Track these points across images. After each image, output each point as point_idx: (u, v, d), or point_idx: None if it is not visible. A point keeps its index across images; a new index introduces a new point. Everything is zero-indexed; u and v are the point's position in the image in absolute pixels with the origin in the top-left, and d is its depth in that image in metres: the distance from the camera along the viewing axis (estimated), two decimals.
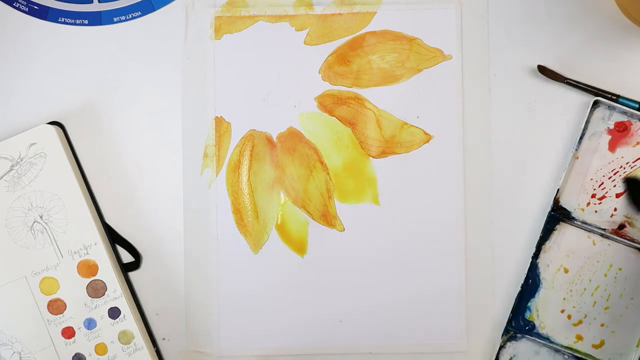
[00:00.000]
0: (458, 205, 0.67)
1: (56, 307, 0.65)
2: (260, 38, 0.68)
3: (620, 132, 0.66)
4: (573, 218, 0.66)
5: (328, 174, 0.67)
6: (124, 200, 0.67)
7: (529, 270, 0.65)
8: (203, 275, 0.67)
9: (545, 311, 0.66)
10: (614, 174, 0.66)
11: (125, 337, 0.65)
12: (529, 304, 0.66)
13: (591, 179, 0.66)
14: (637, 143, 0.66)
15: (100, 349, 0.65)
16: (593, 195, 0.66)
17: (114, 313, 0.65)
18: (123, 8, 0.68)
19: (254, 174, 0.67)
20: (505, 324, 0.65)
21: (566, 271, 0.66)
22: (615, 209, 0.66)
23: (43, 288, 0.65)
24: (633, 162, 0.66)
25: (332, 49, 0.68)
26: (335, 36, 0.68)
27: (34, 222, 0.65)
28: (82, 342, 0.65)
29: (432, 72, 0.67)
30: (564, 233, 0.66)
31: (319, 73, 0.68)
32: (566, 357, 0.66)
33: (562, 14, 0.67)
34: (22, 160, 0.65)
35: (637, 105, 0.65)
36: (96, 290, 0.65)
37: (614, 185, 0.66)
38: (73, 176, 0.65)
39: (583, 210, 0.66)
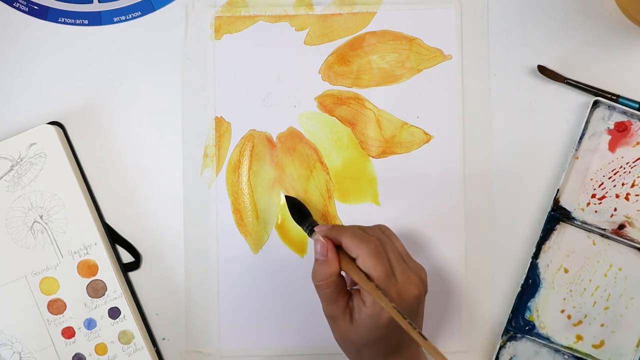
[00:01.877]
0: (458, 205, 0.67)
1: (56, 307, 0.65)
2: (260, 38, 0.68)
3: (620, 132, 0.66)
4: (573, 218, 0.66)
5: (328, 174, 0.67)
6: (124, 200, 0.67)
7: (529, 270, 0.65)
8: (203, 275, 0.67)
9: (545, 311, 0.66)
10: (614, 174, 0.66)
11: (125, 337, 0.65)
12: (529, 304, 0.66)
13: (591, 179, 0.66)
14: (637, 143, 0.66)
15: (100, 349, 0.65)
16: (593, 195, 0.66)
17: (114, 313, 0.65)
18: (123, 8, 0.68)
19: (254, 174, 0.67)
20: (505, 324, 0.65)
21: (566, 271, 0.66)
22: (615, 209, 0.66)
23: (43, 288, 0.65)
24: (633, 162, 0.66)
25: (332, 49, 0.68)
26: (335, 36, 0.68)
27: (34, 222, 0.65)
28: (82, 342, 0.65)
29: (432, 72, 0.67)
30: (564, 233, 0.66)
31: (319, 73, 0.68)
32: (566, 357, 0.66)
33: (562, 14, 0.67)
34: (22, 160, 0.65)
35: (637, 105, 0.65)
36: (96, 290, 0.65)
37: (614, 185, 0.66)
38: (73, 176, 0.65)
39: (583, 210, 0.66)
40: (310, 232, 0.60)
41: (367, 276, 0.55)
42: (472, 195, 0.67)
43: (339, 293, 0.57)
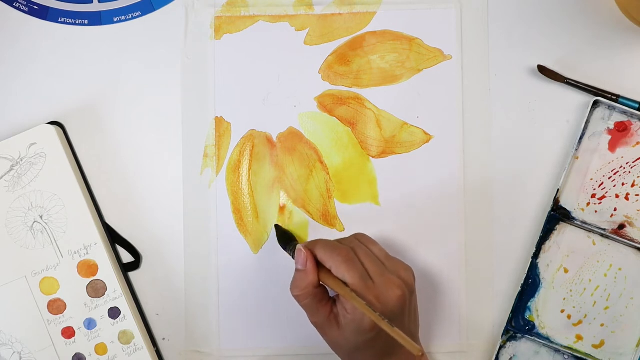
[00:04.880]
0: (458, 205, 0.67)
1: (56, 307, 0.65)
2: (260, 38, 0.68)
3: (620, 132, 0.66)
4: (573, 218, 0.66)
5: (328, 174, 0.67)
6: (124, 200, 0.67)
7: (529, 270, 0.65)
8: (203, 275, 0.67)
9: (545, 311, 0.66)
10: (614, 174, 0.66)
11: (125, 337, 0.65)
12: (529, 304, 0.66)
13: (591, 179, 0.66)
14: (637, 143, 0.66)
15: (100, 349, 0.65)
16: (593, 195, 0.66)
17: (114, 313, 0.65)
18: (123, 8, 0.68)
19: (254, 174, 0.67)
20: (505, 324, 0.65)
21: (566, 271, 0.66)
22: (615, 209, 0.66)
23: (43, 288, 0.65)
24: (633, 162, 0.66)
25: (332, 49, 0.68)
26: (335, 36, 0.68)
27: (34, 222, 0.65)
28: (82, 342, 0.65)
29: (432, 72, 0.67)
30: (564, 233, 0.66)
31: (319, 73, 0.68)
32: (566, 357, 0.66)
33: (562, 14, 0.67)
34: (22, 160, 0.65)
35: (637, 105, 0.65)
36: (96, 290, 0.65)
37: (614, 185, 0.66)
38: (73, 176, 0.65)
39: (583, 210, 0.66)
40: (294, 254, 0.61)
41: (345, 284, 0.57)
42: (472, 195, 0.67)
43: (320, 302, 0.59)
